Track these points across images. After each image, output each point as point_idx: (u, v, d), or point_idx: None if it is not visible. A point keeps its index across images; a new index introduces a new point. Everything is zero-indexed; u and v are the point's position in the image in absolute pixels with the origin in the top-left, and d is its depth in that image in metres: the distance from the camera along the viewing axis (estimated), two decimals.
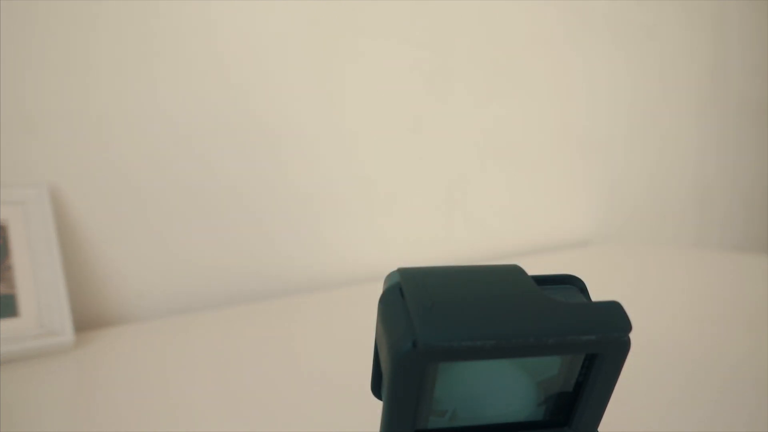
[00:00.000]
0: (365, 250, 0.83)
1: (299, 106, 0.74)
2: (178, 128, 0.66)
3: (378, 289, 0.74)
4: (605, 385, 0.19)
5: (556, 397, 0.19)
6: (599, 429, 0.20)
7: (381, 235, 0.85)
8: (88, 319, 0.63)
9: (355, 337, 0.56)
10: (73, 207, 0.62)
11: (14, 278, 0.54)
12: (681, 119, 1.25)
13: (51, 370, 0.49)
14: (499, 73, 0.93)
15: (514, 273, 0.19)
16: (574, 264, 0.87)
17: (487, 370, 0.18)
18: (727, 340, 0.51)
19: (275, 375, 0.47)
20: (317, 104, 0.76)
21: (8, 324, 0.52)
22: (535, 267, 0.82)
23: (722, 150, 1.35)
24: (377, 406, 0.40)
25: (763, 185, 1.50)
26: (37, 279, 0.55)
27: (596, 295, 0.65)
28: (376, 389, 0.21)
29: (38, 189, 0.57)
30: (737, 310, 0.61)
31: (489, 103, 0.93)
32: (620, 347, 0.18)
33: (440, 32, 0.85)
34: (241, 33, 0.69)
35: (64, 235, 0.61)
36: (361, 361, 0.49)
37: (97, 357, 0.53)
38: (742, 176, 1.41)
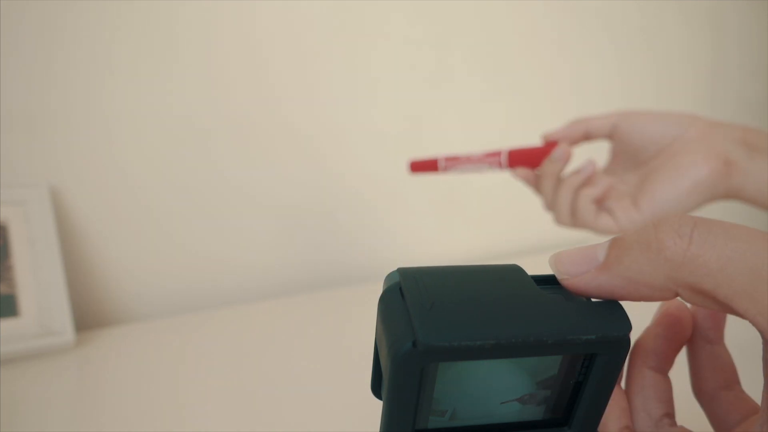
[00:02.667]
0: (365, 249, 0.83)
1: (298, 106, 0.74)
2: (178, 128, 0.66)
3: (378, 289, 0.74)
4: (605, 384, 0.19)
5: (556, 396, 0.19)
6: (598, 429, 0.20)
7: (381, 235, 0.85)
8: (88, 319, 0.63)
9: (355, 337, 0.56)
10: (73, 207, 0.62)
11: (14, 278, 0.54)
12: None
13: (51, 369, 0.49)
14: (499, 74, 0.93)
15: (514, 273, 0.19)
16: None
17: (486, 369, 0.18)
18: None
19: (275, 375, 0.48)
20: (316, 104, 0.76)
21: (8, 324, 0.52)
22: (535, 267, 0.81)
23: None
24: (377, 406, 0.40)
25: None
26: (38, 279, 0.55)
27: None
28: (376, 389, 0.21)
29: (38, 189, 0.57)
30: None
31: (489, 103, 0.93)
32: (620, 347, 0.18)
33: (441, 32, 0.85)
34: (241, 34, 0.69)
35: (64, 235, 0.61)
36: (361, 361, 0.49)
37: (97, 357, 0.53)
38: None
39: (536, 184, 0.51)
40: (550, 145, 0.49)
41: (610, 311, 0.18)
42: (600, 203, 0.49)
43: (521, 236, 1.01)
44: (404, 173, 0.85)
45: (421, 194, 0.87)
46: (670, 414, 0.22)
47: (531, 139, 0.99)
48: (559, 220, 0.50)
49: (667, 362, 0.22)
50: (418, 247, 0.89)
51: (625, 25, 1.10)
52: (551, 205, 0.50)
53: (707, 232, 0.16)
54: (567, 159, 0.48)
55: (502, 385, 0.19)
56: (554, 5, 0.98)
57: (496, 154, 0.49)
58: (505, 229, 0.98)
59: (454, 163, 0.49)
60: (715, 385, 0.21)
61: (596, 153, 0.57)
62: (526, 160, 0.49)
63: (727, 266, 0.16)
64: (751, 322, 0.16)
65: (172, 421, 0.40)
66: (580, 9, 1.02)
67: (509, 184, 0.97)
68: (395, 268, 0.20)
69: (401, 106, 0.83)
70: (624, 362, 0.18)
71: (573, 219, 0.49)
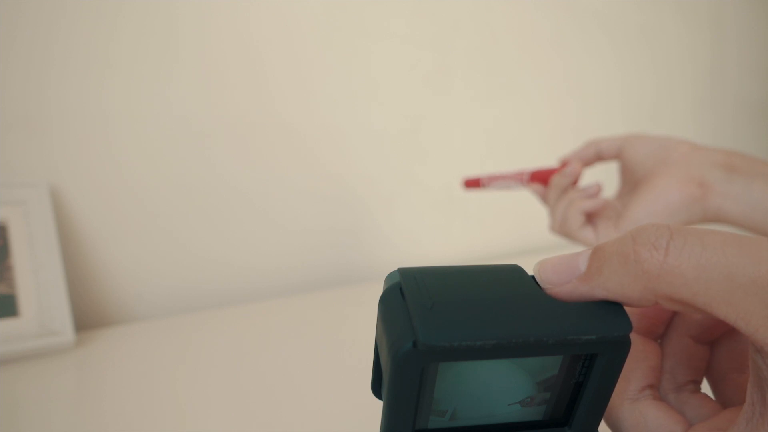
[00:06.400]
0: (365, 250, 0.83)
1: (298, 105, 0.74)
2: (177, 129, 0.66)
3: (378, 289, 0.74)
4: (605, 384, 0.19)
5: (557, 397, 0.19)
6: (599, 429, 0.20)
7: (381, 236, 0.85)
8: (89, 319, 0.63)
9: (355, 337, 0.56)
10: (74, 207, 0.62)
11: (14, 278, 0.54)
12: (678, 120, 1.25)
13: (51, 370, 0.49)
14: (499, 74, 0.93)
15: (514, 273, 0.19)
16: None
17: (487, 369, 0.18)
18: None
19: (275, 375, 0.48)
20: (316, 104, 0.76)
21: (8, 324, 0.52)
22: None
23: None
24: (377, 406, 0.40)
25: None
26: (37, 279, 0.55)
27: None
28: (377, 389, 0.21)
29: (38, 189, 0.57)
30: None
31: (489, 103, 0.93)
32: (620, 347, 0.18)
33: (440, 32, 0.85)
34: (239, 34, 0.69)
35: (64, 235, 0.61)
36: (361, 361, 0.49)
37: (97, 357, 0.53)
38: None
39: (544, 196, 0.56)
40: (564, 166, 0.54)
41: (611, 311, 0.18)
42: (590, 218, 0.52)
43: (521, 236, 1.01)
44: (404, 173, 0.85)
45: (421, 195, 0.87)
46: (696, 381, 0.22)
47: (530, 139, 0.99)
48: (551, 227, 0.54)
49: (711, 335, 0.22)
50: (418, 248, 0.89)
51: (625, 25, 1.10)
52: (550, 213, 0.54)
53: (683, 242, 0.16)
54: (576, 175, 0.52)
55: (502, 385, 0.19)
56: (554, 6, 0.98)
57: (521, 174, 0.57)
58: (505, 229, 0.98)
59: (491, 180, 0.58)
60: (730, 366, 0.21)
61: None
62: (542, 178, 0.56)
63: (702, 275, 0.16)
64: (733, 326, 0.16)
65: (172, 421, 0.40)
66: (580, 10, 1.02)
67: None
68: (395, 269, 0.20)
69: (400, 106, 0.83)
70: (624, 362, 0.18)
71: (562, 227, 0.52)
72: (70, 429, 0.39)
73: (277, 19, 0.71)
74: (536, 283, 0.19)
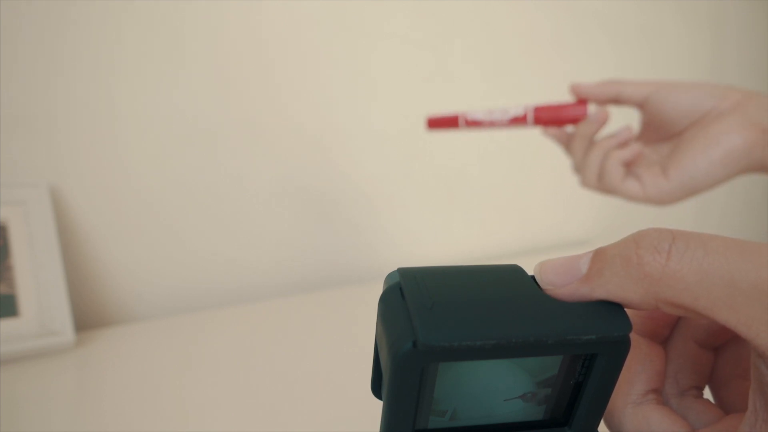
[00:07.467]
0: (365, 249, 0.83)
1: (298, 106, 0.74)
2: (178, 128, 0.66)
3: (378, 289, 0.74)
4: (605, 384, 0.19)
5: (556, 396, 0.19)
6: (599, 429, 0.20)
7: (381, 235, 0.85)
8: (88, 319, 0.63)
9: (355, 337, 0.56)
10: (74, 207, 0.62)
11: (14, 278, 0.54)
12: None
13: (51, 370, 0.49)
14: (498, 73, 0.93)
15: (514, 273, 0.19)
16: None
17: (487, 369, 0.18)
18: None
19: (275, 374, 0.48)
20: (317, 104, 0.76)
21: (8, 324, 0.52)
22: (534, 267, 0.81)
23: None
24: (377, 406, 0.40)
25: (762, 185, 1.50)
26: (38, 279, 0.55)
27: None
28: (376, 389, 0.21)
29: (38, 189, 0.57)
30: None
31: (489, 102, 0.93)
32: (620, 347, 0.18)
33: (440, 32, 0.85)
34: (244, 33, 0.69)
35: (64, 235, 0.61)
36: (361, 361, 0.49)
37: (97, 357, 0.53)
38: (739, 176, 1.41)
39: (567, 144, 0.50)
40: (580, 102, 0.48)
41: (611, 311, 0.18)
42: (629, 168, 0.48)
43: (521, 236, 1.01)
44: (404, 173, 0.85)
45: (421, 194, 0.87)
46: (699, 387, 0.22)
47: (530, 139, 0.99)
48: (585, 183, 0.49)
49: (717, 340, 0.22)
50: (418, 248, 0.89)
51: (625, 25, 1.10)
52: (579, 167, 0.49)
53: (685, 246, 0.16)
54: (603, 121, 0.47)
55: (502, 385, 0.19)
56: (554, 6, 0.98)
57: (522, 118, 0.49)
58: (505, 229, 0.98)
59: (475, 126, 0.50)
60: (734, 372, 0.21)
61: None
62: (553, 118, 0.48)
63: (704, 279, 0.16)
64: (734, 330, 0.16)
65: (172, 421, 0.40)
66: (580, 10, 1.02)
67: (509, 184, 0.97)
68: (395, 268, 0.20)
69: (402, 106, 0.83)
70: (624, 362, 0.18)
71: (599, 181, 0.48)
72: (70, 429, 0.39)
73: (278, 19, 0.71)
74: (536, 283, 0.19)
